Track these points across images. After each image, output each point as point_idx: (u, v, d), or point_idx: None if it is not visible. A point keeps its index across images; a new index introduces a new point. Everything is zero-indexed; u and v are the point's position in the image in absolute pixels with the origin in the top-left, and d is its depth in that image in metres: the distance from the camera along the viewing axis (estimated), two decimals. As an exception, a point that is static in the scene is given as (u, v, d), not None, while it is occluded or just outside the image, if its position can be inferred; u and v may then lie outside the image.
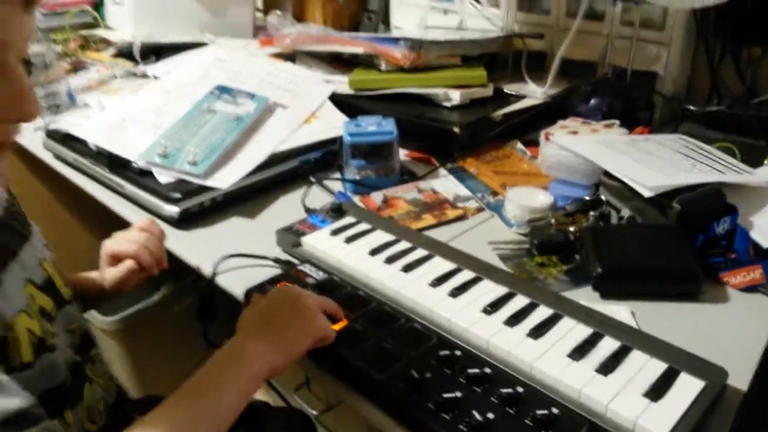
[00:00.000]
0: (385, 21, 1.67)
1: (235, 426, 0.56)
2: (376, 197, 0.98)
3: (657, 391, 0.57)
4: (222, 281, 0.81)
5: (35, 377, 0.56)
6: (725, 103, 1.13)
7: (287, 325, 0.62)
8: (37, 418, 0.50)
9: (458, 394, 0.58)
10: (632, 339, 0.64)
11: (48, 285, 0.65)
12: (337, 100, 1.20)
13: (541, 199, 0.93)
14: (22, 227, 0.66)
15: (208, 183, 0.94)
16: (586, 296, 0.75)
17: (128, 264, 0.80)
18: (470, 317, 0.67)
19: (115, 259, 0.81)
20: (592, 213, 0.89)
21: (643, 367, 0.60)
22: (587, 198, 0.92)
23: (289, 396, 1.09)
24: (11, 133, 0.53)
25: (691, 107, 1.14)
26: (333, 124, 1.11)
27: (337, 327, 0.66)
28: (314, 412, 1.07)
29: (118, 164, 0.99)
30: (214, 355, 0.60)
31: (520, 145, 1.15)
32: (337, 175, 1.06)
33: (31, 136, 1.19)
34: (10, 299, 0.56)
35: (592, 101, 1.20)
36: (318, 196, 1.00)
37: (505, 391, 0.58)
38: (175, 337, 1.54)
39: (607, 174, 0.91)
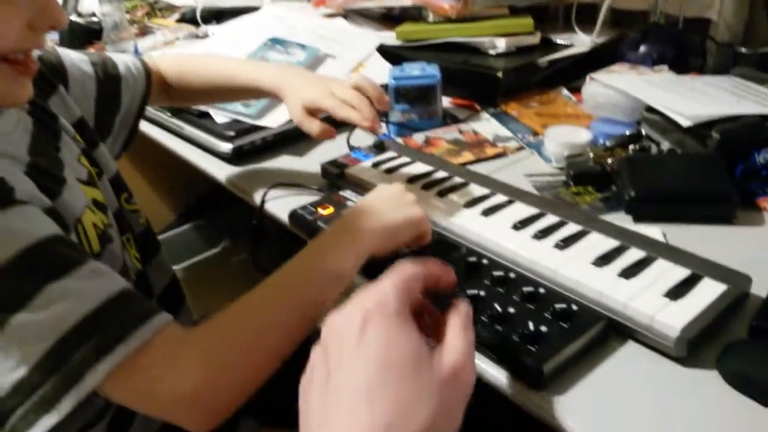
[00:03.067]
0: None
1: None
2: (418, 138, 1.02)
3: (677, 292, 0.58)
4: (270, 208, 0.86)
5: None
6: (781, 45, 1.09)
7: (391, 209, 0.64)
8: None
9: (482, 292, 0.61)
10: (658, 250, 0.65)
11: (92, 179, 0.68)
12: (384, 51, 1.24)
13: (581, 136, 0.93)
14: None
15: (260, 123, 1.00)
16: (618, 220, 0.75)
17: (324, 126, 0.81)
18: (500, 232, 0.70)
19: (311, 113, 0.81)
20: (631, 147, 0.90)
21: (666, 273, 0.61)
22: (627, 133, 0.92)
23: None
24: (41, 43, 0.57)
25: (744, 50, 1.11)
26: (379, 73, 1.14)
27: None
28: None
29: (178, 108, 1.06)
30: (321, 232, 0.64)
31: (565, 91, 1.15)
32: (382, 118, 1.10)
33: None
34: (76, 197, 0.61)
35: (642, 48, 1.19)
36: (363, 138, 1.04)
37: (526, 290, 0.61)
38: (232, 286, 1.64)
39: (648, 109, 0.91)
